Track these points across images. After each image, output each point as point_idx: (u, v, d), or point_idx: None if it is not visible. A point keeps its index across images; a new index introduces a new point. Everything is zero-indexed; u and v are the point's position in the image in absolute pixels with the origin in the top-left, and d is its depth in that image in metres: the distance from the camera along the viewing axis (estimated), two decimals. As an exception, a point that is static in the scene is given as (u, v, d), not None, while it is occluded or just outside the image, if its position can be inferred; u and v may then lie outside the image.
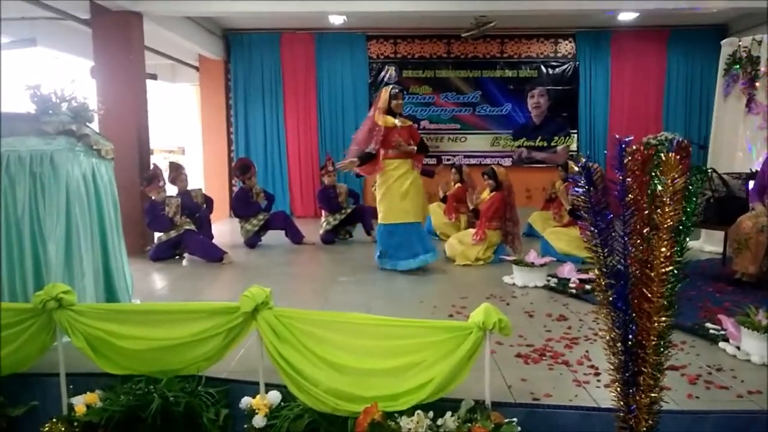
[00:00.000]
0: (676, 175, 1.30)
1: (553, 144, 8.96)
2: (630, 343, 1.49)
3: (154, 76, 7.51)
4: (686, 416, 2.33)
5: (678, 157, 1.30)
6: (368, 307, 3.84)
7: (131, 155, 5.66)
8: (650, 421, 1.53)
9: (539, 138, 8.95)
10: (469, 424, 2.08)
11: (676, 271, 1.38)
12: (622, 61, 8.78)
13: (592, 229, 1.42)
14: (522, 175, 8.45)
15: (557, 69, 8.86)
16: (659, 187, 1.31)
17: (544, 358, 2.92)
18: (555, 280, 4.46)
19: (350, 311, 3.42)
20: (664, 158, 1.30)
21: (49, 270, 3.08)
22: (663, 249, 1.33)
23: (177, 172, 5.86)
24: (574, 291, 4.18)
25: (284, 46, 8.74)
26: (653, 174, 1.33)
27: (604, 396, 2.49)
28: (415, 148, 4.87)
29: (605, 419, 2.37)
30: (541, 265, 4.47)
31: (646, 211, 1.35)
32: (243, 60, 8.77)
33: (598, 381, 2.64)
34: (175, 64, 8.87)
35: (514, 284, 4.49)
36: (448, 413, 2.19)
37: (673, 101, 8.81)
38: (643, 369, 1.49)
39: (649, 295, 1.39)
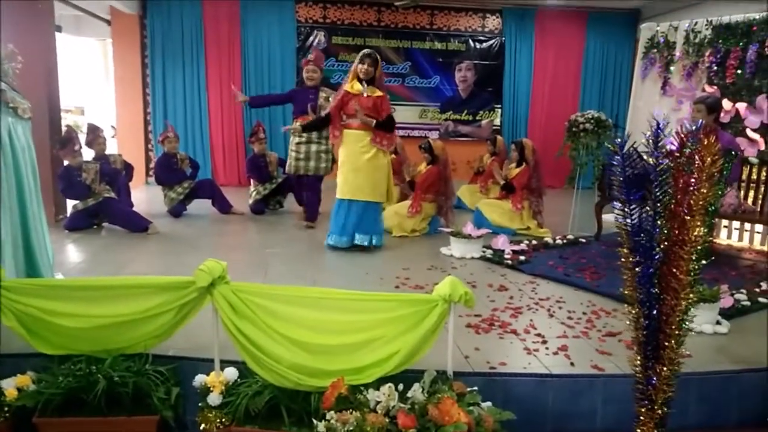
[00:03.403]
0: (712, 158, 1.36)
1: (478, 118, 9.16)
2: (655, 319, 1.55)
3: (58, 28, 6.85)
4: (629, 379, 2.50)
5: (711, 139, 1.36)
6: (313, 281, 3.78)
7: (40, 114, 5.09)
8: (669, 393, 1.62)
9: (465, 112, 9.12)
10: (439, 395, 2.11)
11: (704, 250, 1.45)
12: (545, 39, 9.07)
13: (624, 209, 1.46)
14: (447, 148, 8.55)
15: (484, 44, 9.01)
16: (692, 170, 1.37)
17: (493, 327, 3.01)
18: (490, 251, 4.60)
19: (294, 284, 3.37)
20: (702, 140, 1.36)
21: (-38, 242, 2.76)
22: (697, 229, 1.39)
23: (94, 134, 5.41)
24: (509, 262, 4.34)
25: (206, 4, 8.23)
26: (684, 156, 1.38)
27: (555, 363, 2.63)
28: (373, 121, 4.44)
29: (558, 385, 2.51)
30: (478, 237, 4.60)
31: (681, 193, 1.40)
32: (161, 15, 8.17)
33: (547, 349, 2.77)
34: (81, 16, 8.11)
35: (451, 255, 4.58)
36: (416, 385, 2.21)
37: (590, 81, 9.26)
38: (666, 343, 1.56)
39: (678, 273, 1.45)
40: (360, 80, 4.45)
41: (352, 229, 4.58)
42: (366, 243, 4.60)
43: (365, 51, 4.48)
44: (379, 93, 4.48)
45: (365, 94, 4.42)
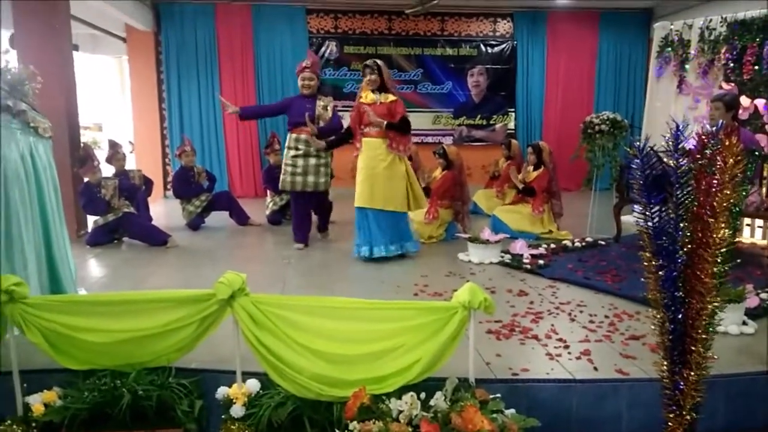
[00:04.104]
0: (734, 158, 1.34)
1: (491, 122, 9.13)
2: (680, 323, 1.53)
3: (75, 47, 6.98)
4: (654, 383, 2.46)
5: (733, 139, 1.34)
6: (330, 290, 3.78)
7: (60, 133, 5.18)
8: (697, 398, 1.59)
9: (479, 116, 9.10)
10: (462, 404, 2.09)
11: (729, 252, 1.43)
12: (557, 41, 9.03)
13: (645, 212, 1.45)
14: (462, 153, 8.54)
15: (496, 48, 8.99)
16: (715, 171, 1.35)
17: (514, 333, 2.99)
18: (509, 256, 4.57)
19: (312, 294, 3.38)
20: (724, 141, 1.34)
21: (-13, 260, 2.81)
22: (721, 231, 1.37)
23: (114, 150, 5.50)
24: (528, 266, 4.31)
25: (219, 18, 8.34)
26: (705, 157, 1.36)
27: (578, 367, 2.60)
28: (383, 121, 4.39)
29: (582, 390, 2.48)
30: (496, 242, 4.57)
31: (703, 195, 1.38)
32: (175, 32, 8.29)
33: (569, 354, 2.74)
34: (97, 34, 8.26)
35: (470, 261, 4.56)
36: (438, 393, 2.20)
37: (604, 82, 9.18)
38: (692, 348, 1.54)
39: (703, 276, 1.43)
40: (372, 90, 4.50)
41: (383, 237, 4.52)
42: (398, 252, 4.60)
43: (365, 63, 4.53)
44: (392, 98, 4.51)
45: (379, 102, 4.47)
